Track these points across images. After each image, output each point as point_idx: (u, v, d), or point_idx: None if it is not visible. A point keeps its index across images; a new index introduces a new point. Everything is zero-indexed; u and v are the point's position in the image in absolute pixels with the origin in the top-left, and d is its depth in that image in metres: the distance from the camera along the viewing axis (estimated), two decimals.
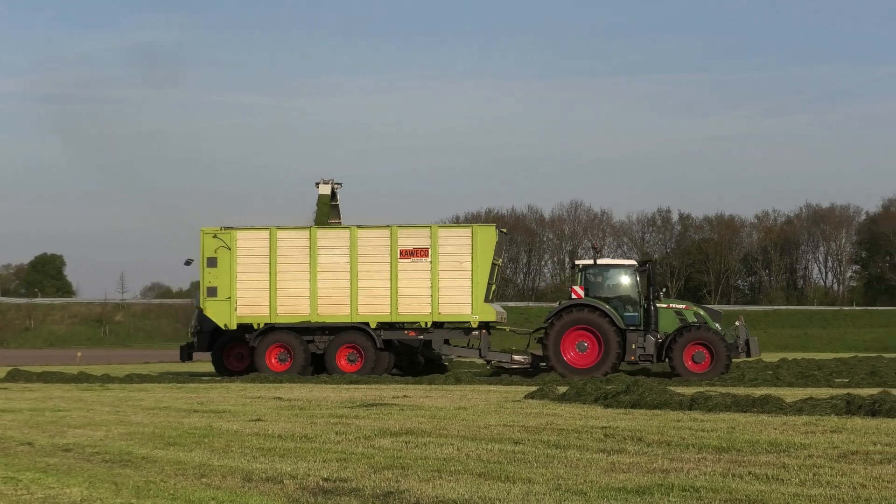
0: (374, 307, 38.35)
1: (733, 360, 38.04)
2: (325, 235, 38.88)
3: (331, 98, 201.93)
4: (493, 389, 31.39)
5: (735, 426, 19.10)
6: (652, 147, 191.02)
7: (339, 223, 41.85)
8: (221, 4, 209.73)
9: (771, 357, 49.06)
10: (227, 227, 39.27)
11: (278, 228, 39.22)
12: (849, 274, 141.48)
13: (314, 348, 38.83)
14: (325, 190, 42.48)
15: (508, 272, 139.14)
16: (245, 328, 39.01)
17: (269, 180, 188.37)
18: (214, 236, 38.87)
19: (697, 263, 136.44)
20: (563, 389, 26.85)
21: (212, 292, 38.70)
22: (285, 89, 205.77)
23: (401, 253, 38.09)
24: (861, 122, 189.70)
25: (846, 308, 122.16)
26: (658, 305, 37.83)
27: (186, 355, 43.00)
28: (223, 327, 39.00)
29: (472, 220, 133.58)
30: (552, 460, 15.03)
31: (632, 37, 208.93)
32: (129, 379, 37.57)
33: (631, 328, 37.38)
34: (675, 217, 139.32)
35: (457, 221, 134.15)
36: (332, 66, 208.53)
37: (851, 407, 21.42)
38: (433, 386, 33.16)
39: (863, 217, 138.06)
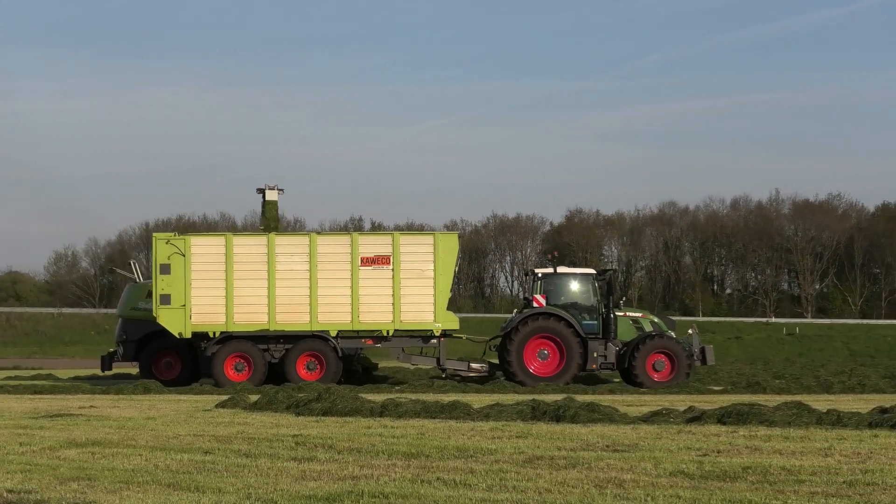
0: (334, 315, 37.27)
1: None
2: (284, 242, 37.66)
3: (13, 101, 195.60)
4: (184, 399, 31.03)
5: (424, 432, 19.36)
6: (347, 155, 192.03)
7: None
8: None
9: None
10: (181, 233, 37.94)
11: (234, 234, 38.22)
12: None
13: (269, 357, 37.53)
14: (273, 196, 41.85)
15: None
16: (199, 336, 37.54)
17: None
18: (168, 242, 37.31)
19: None
20: (254, 398, 26.73)
21: (165, 300, 36.98)
22: None
23: (362, 260, 37.12)
24: (548, 136, 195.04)
25: None
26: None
27: (107, 365, 40.99)
28: (177, 336, 37.29)
29: (163, 227, 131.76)
30: (243, 469, 14.95)
31: (327, 47, 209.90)
32: None
33: (590, 336, 37.23)
34: (367, 225, 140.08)
35: (146, 228, 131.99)
36: (17, 70, 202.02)
37: (536, 412, 21.98)
38: (121, 396, 32.55)
39: (548, 227, 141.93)
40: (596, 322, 37.71)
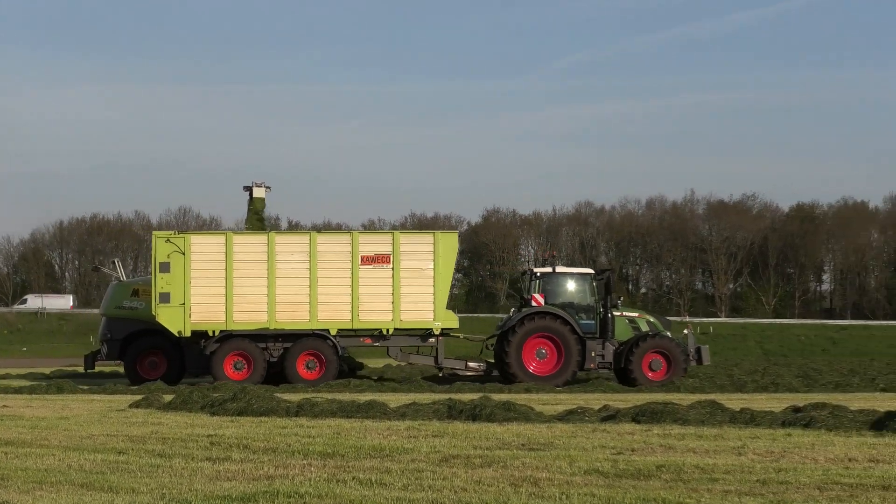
0: (334, 314, 37.13)
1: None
2: (284, 241, 37.60)
3: None
4: (97, 399, 30.80)
5: (340, 432, 19.34)
6: (265, 154, 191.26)
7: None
8: None
9: (377, 363, 49.93)
10: (181, 232, 37.76)
11: (235, 233, 38.11)
12: (451, 282, 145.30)
13: (268, 356, 37.31)
14: (261, 193, 42.07)
15: None
16: (198, 335, 37.26)
17: None
18: (167, 240, 37.00)
19: None
20: (168, 398, 26.56)
21: (164, 298, 36.71)
22: None
23: (362, 259, 37.02)
24: (465, 136, 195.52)
25: None
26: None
27: (90, 364, 40.55)
28: (177, 334, 37.02)
29: (77, 225, 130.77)
30: (157, 469, 14.85)
31: (246, 45, 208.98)
32: None
33: (588, 336, 37.24)
34: (284, 225, 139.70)
35: (61, 226, 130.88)
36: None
37: (453, 412, 22.03)
38: (34, 396, 32.26)
39: (465, 227, 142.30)
40: (594, 322, 37.89)
